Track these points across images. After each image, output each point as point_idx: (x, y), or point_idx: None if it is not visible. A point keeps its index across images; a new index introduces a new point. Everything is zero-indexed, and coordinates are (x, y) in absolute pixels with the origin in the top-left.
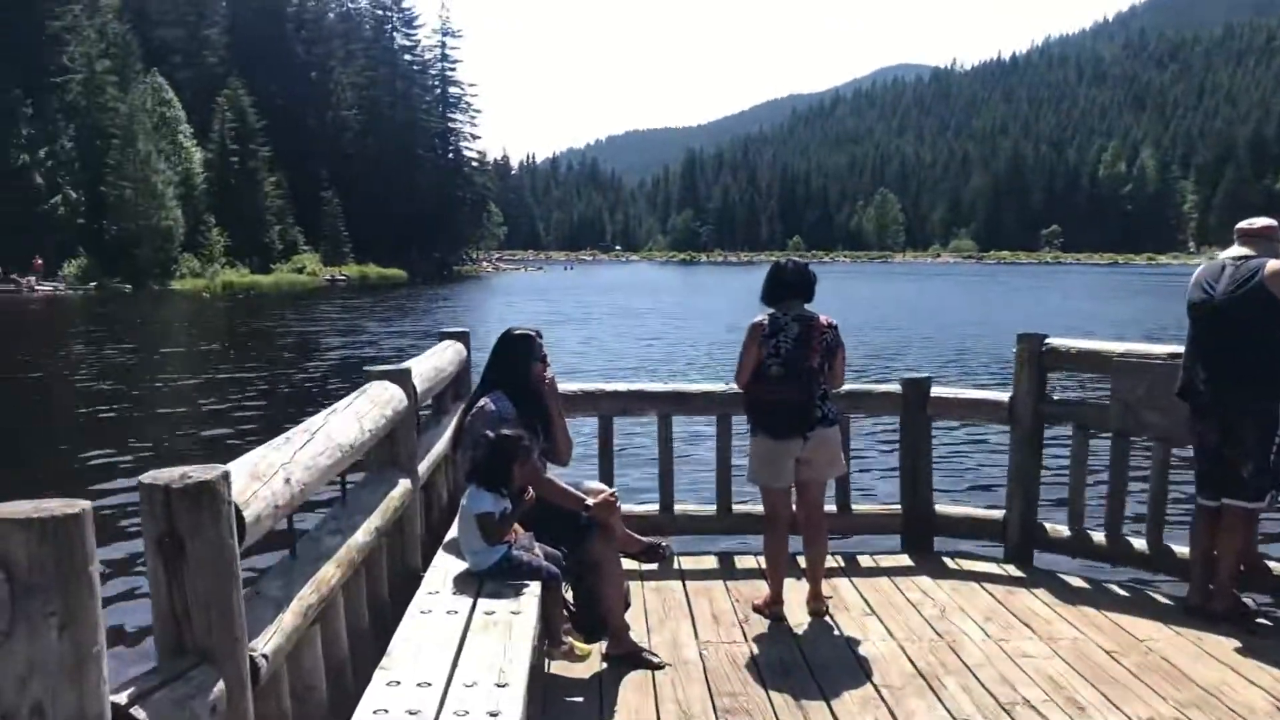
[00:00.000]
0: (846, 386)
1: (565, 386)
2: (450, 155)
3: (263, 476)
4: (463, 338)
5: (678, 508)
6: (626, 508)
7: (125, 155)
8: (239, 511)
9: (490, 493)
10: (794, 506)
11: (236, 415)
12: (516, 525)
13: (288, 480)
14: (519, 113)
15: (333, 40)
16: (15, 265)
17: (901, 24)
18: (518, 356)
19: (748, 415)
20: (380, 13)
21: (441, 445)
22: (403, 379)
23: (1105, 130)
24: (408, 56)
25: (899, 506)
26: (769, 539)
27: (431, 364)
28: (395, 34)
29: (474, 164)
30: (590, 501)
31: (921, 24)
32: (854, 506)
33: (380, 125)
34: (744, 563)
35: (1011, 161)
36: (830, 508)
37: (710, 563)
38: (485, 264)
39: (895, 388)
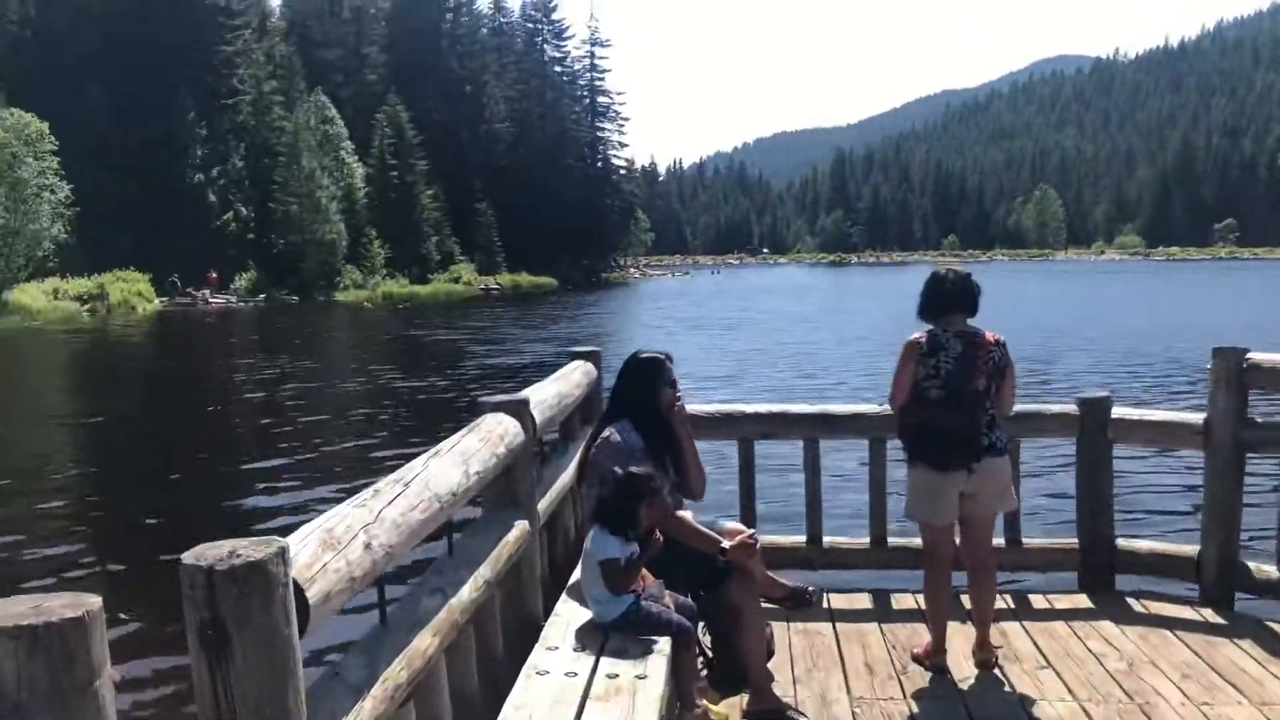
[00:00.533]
0: (1018, 408)
1: (701, 408)
2: (598, 164)
3: (338, 544)
4: (592, 357)
5: (827, 539)
6: (770, 538)
7: (291, 172)
8: (301, 592)
9: (615, 536)
10: (957, 541)
11: (385, 422)
12: (645, 571)
13: (369, 545)
14: (667, 119)
15: (486, 54)
16: (191, 279)
17: (1059, 15)
18: (646, 382)
19: (904, 443)
20: (531, 26)
21: (567, 477)
22: (519, 410)
23: None
24: (558, 68)
25: (1076, 540)
26: (929, 580)
27: (554, 390)
28: (546, 46)
29: (621, 172)
30: (726, 544)
31: (1081, 14)
32: (1025, 540)
33: (531, 136)
34: (901, 602)
35: (1181, 153)
36: (998, 541)
37: (863, 602)
38: (633, 270)
39: (1071, 408)
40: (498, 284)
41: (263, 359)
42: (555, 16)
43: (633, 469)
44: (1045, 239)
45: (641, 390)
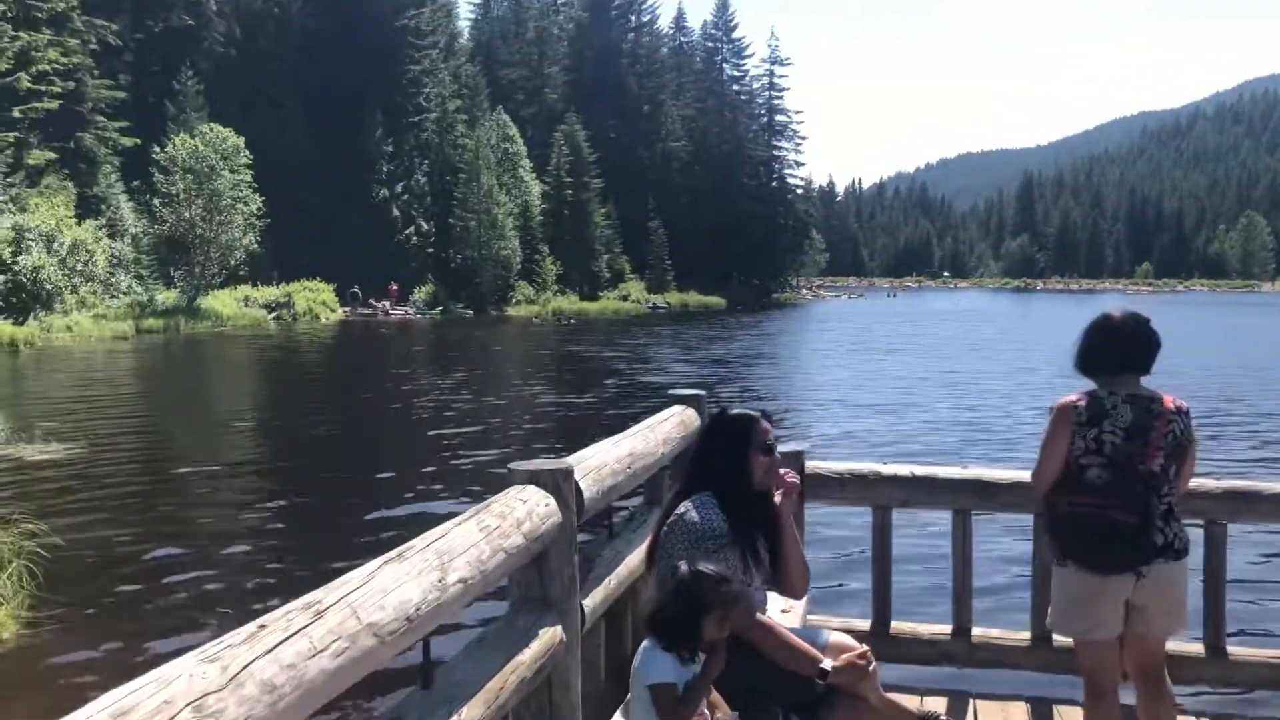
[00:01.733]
0: (1226, 483)
1: (828, 467)
2: (773, 183)
3: None
4: (695, 402)
5: (976, 632)
6: (907, 626)
7: (470, 189)
8: None
9: (671, 653)
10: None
11: (516, 437)
12: (717, 696)
13: None
14: (848, 139)
15: (665, 74)
16: (373, 291)
17: (1273, 31)
18: (733, 447)
19: (1051, 536)
20: (711, 45)
21: (637, 559)
22: (558, 482)
23: None
24: (735, 86)
25: None
26: (1093, 713)
27: (626, 449)
28: (725, 65)
29: (797, 191)
30: (829, 664)
31: None
32: (1231, 648)
33: (706, 155)
34: (1067, 717)
35: None
36: (1192, 648)
37: (1019, 714)
38: (805, 291)
39: None
40: (666, 302)
41: (422, 370)
42: (735, 35)
43: (702, 566)
44: (1250, 269)
45: (727, 456)
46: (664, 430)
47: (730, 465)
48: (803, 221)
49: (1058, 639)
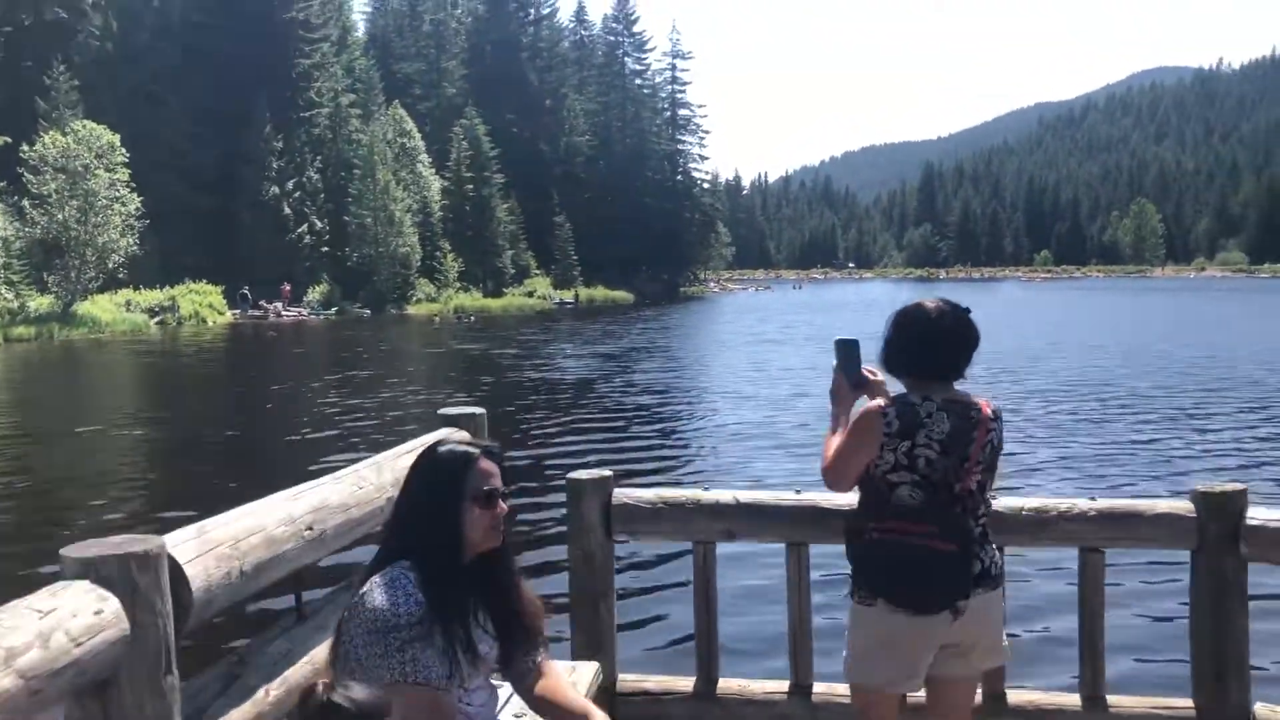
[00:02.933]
0: (1102, 503)
1: (637, 494)
2: (678, 177)
3: None
4: (468, 423)
5: (819, 689)
6: (737, 684)
7: (366, 185)
8: None
9: None
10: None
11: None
12: None
13: None
14: (753, 133)
15: (566, 68)
16: (266, 292)
17: (1159, 25)
18: (434, 498)
19: (854, 569)
20: (612, 38)
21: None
22: (129, 574)
23: None
24: (638, 81)
25: (1190, 704)
26: None
27: (299, 508)
28: (626, 59)
29: (702, 185)
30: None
31: (1181, 24)
32: (1112, 699)
33: (610, 149)
34: None
35: None
36: (1066, 697)
37: None
38: (713, 284)
39: (1184, 507)
40: (573, 298)
41: (298, 373)
42: (636, 29)
43: (344, 694)
44: (1143, 255)
45: (431, 511)
46: (398, 469)
47: (433, 523)
48: (708, 215)
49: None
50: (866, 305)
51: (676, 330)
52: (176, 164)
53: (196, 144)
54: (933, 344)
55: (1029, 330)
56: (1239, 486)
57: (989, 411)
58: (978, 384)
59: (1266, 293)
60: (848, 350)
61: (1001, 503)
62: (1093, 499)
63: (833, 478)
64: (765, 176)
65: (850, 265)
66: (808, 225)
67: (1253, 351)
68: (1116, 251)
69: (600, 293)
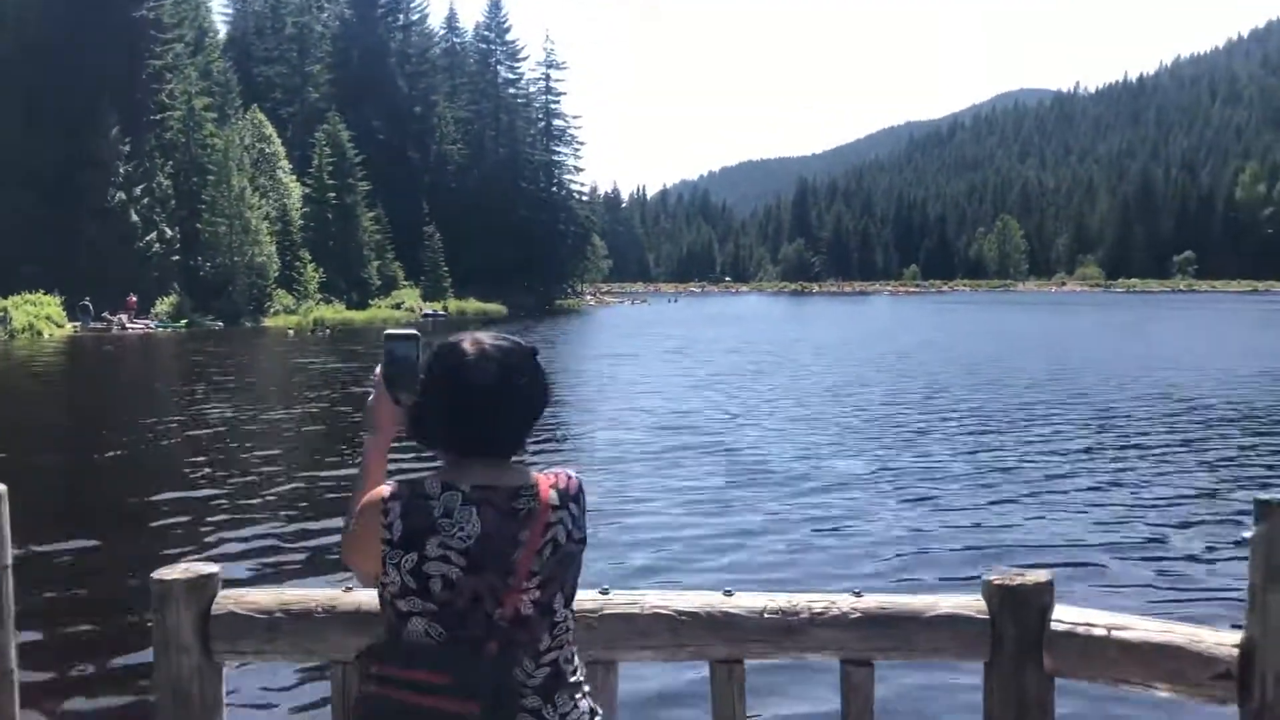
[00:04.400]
0: (869, 601)
1: (254, 598)
2: (553, 188)
3: None
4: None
5: None
6: None
7: (220, 191)
8: None
9: None
10: None
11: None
12: None
13: None
14: (632, 146)
15: (436, 75)
16: (112, 303)
17: (1021, 48)
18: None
19: None
20: (484, 46)
21: None
22: None
23: (1242, 151)
24: (511, 90)
25: None
26: None
27: None
28: (499, 67)
29: (577, 197)
30: None
31: (1042, 48)
32: None
33: (483, 159)
34: None
35: (1140, 186)
36: None
37: None
38: (589, 297)
39: (973, 605)
40: (443, 310)
41: (111, 391)
42: (509, 37)
43: None
44: (1007, 270)
45: None
46: None
47: None
48: (584, 227)
49: None
50: (736, 317)
51: (542, 343)
52: (11, 167)
53: (34, 146)
54: (464, 404)
55: (880, 341)
56: (1042, 577)
57: (550, 496)
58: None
59: (1118, 307)
60: (401, 353)
61: (737, 601)
62: (857, 594)
63: (349, 563)
64: (644, 190)
65: (727, 279)
66: (686, 239)
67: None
68: (982, 266)
69: (472, 305)
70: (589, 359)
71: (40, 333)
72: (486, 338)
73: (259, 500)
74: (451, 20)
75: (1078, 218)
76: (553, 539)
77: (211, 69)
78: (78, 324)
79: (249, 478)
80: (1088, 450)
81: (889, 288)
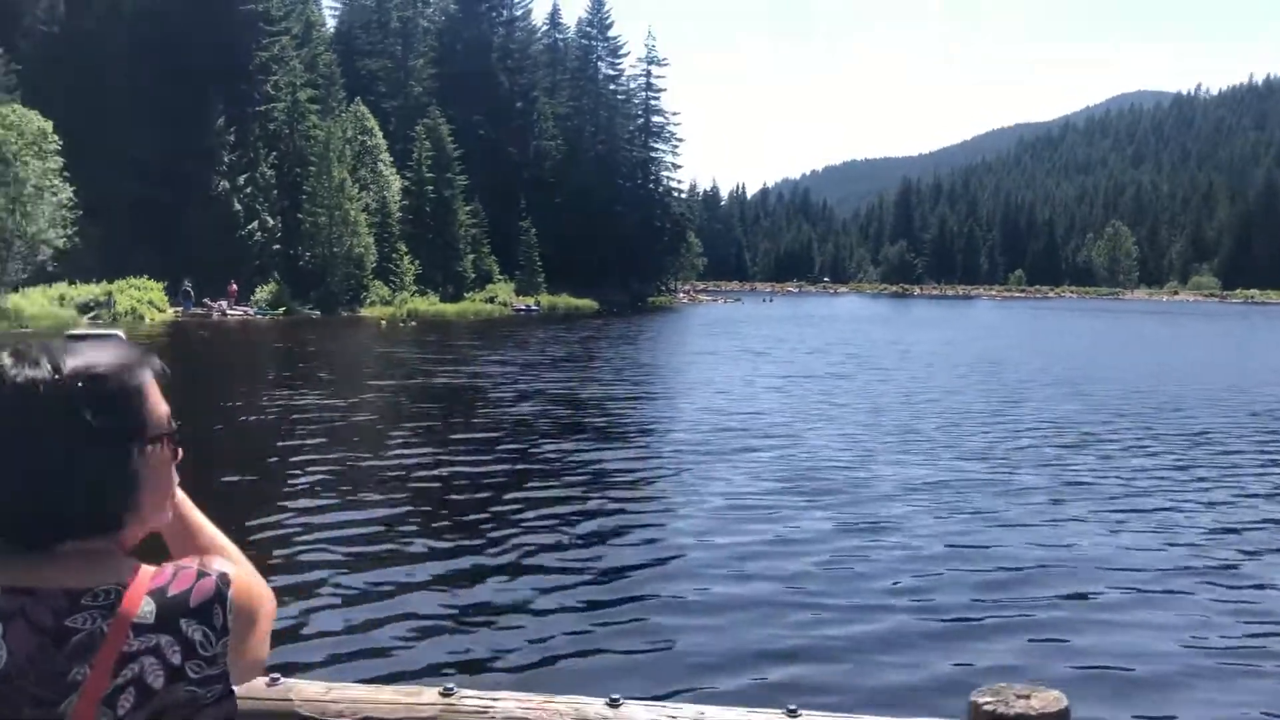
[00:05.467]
0: None
1: None
2: (650, 185)
3: None
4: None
5: None
6: None
7: (320, 183)
8: None
9: None
10: None
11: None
12: None
13: None
14: (734, 144)
15: (538, 71)
16: (215, 289)
17: (1139, 50)
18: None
19: None
20: (586, 42)
21: None
22: None
23: None
24: (612, 86)
25: None
26: None
27: None
28: (600, 63)
29: (675, 194)
30: None
31: (1161, 49)
32: None
33: (581, 155)
34: None
35: (1264, 193)
36: None
37: None
38: (682, 295)
39: None
40: (536, 304)
41: (205, 375)
42: (611, 33)
43: None
44: (1116, 277)
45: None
46: None
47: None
48: (680, 224)
49: None
50: (829, 318)
51: (620, 339)
52: (122, 155)
53: (144, 135)
54: None
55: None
56: (1053, 698)
57: (141, 609)
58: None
59: (1235, 318)
60: None
61: (624, 714)
62: (792, 713)
63: None
64: (744, 188)
65: (825, 279)
66: (784, 238)
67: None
68: (1091, 273)
69: (564, 300)
70: (664, 356)
71: (142, 316)
72: (9, 355)
73: (293, 485)
74: (554, 16)
75: (1194, 225)
76: (136, 681)
77: (317, 62)
78: (179, 309)
79: (278, 460)
80: (1179, 470)
81: (992, 292)
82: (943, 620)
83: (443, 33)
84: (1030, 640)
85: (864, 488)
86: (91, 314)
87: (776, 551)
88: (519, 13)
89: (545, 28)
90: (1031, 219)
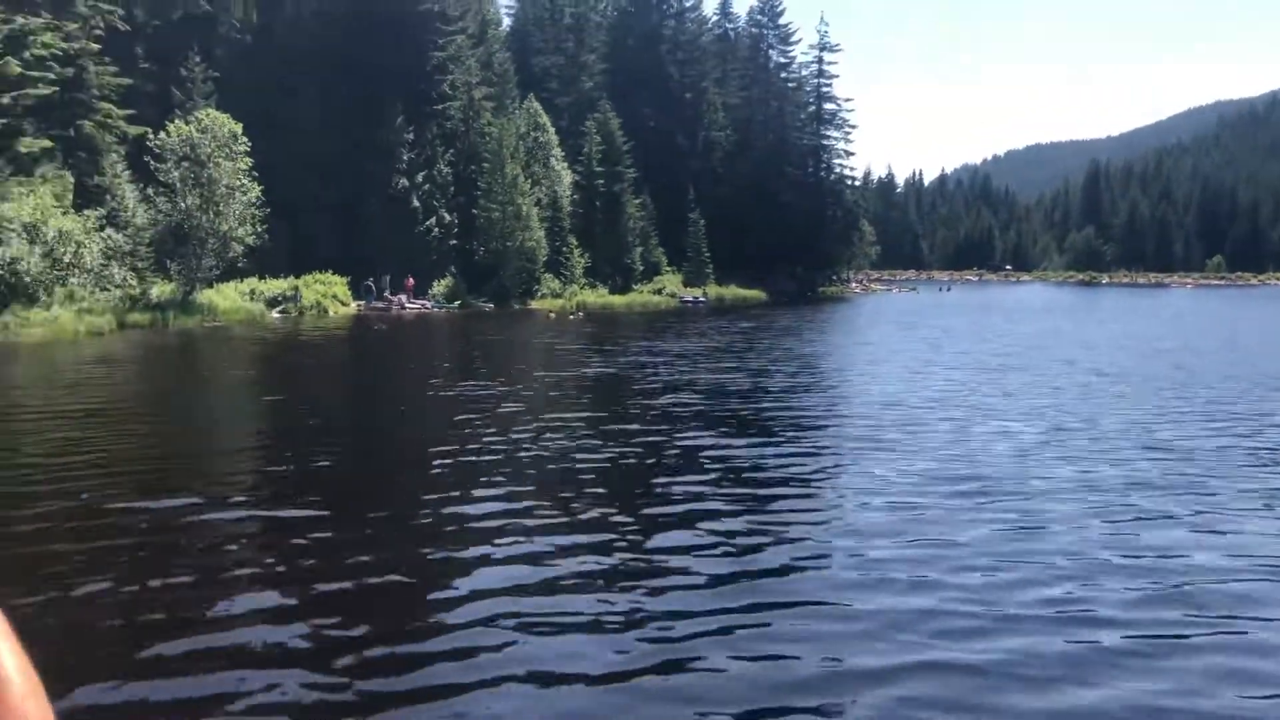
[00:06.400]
0: None
1: None
2: (821, 173)
3: None
4: None
5: None
6: None
7: (495, 179)
8: None
9: None
10: None
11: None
12: None
13: None
14: (912, 130)
15: (707, 61)
16: (393, 284)
17: None
18: None
19: None
20: (756, 31)
21: None
22: None
23: None
24: (782, 74)
25: None
26: None
27: None
28: (771, 52)
29: (847, 182)
30: None
31: None
32: None
33: (751, 144)
34: None
35: None
36: None
37: None
38: (855, 284)
39: None
40: (703, 295)
41: (359, 367)
42: (782, 21)
43: None
44: None
45: None
46: None
47: None
48: (852, 213)
49: None
50: (1009, 307)
51: (780, 331)
52: (309, 155)
53: (329, 136)
54: None
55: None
56: None
57: None
58: None
59: None
60: None
61: None
62: None
63: None
64: (920, 174)
65: (1007, 267)
66: (963, 225)
67: None
68: None
69: (731, 291)
70: (822, 346)
71: (326, 310)
72: None
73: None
74: (725, 6)
75: None
76: None
77: (493, 60)
78: (361, 303)
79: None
80: None
81: (1189, 280)
82: (1124, 636)
83: (614, 27)
84: (1216, 664)
85: (1032, 486)
86: (279, 308)
87: (937, 557)
88: (689, 4)
89: (715, 18)
90: (1233, 202)
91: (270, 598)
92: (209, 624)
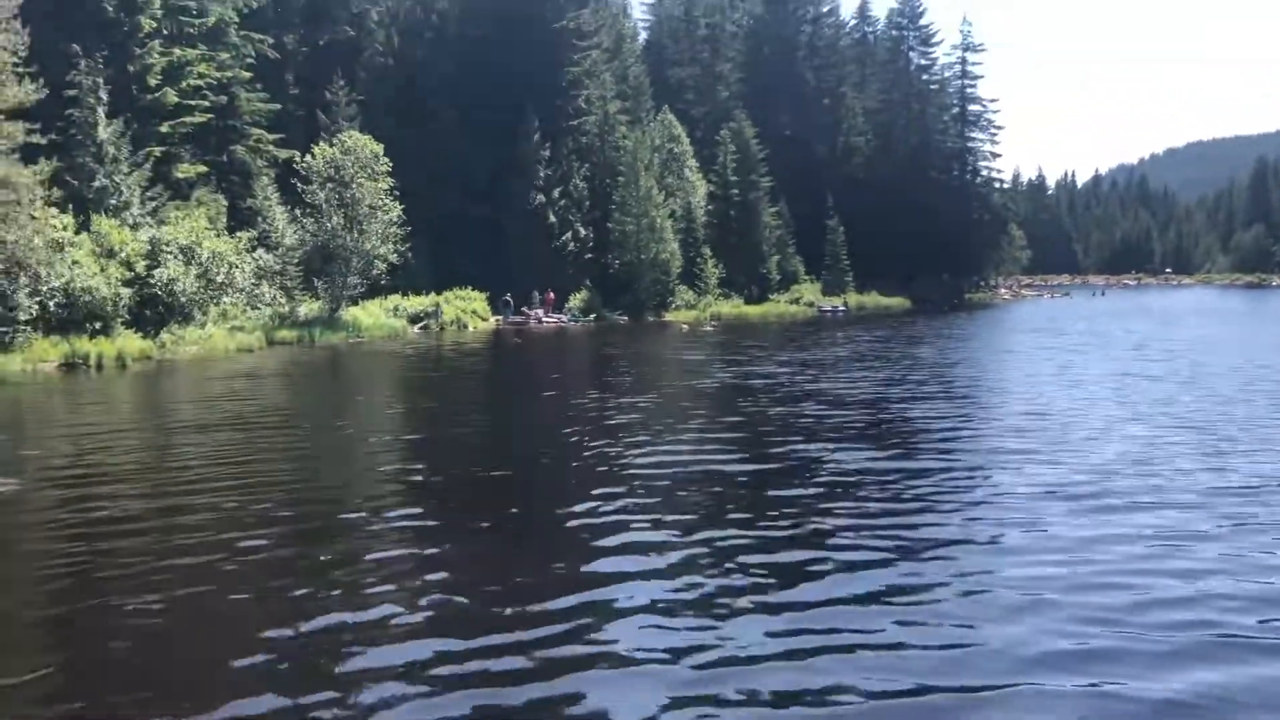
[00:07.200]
0: None
1: None
2: (966, 176)
3: None
4: None
5: None
6: None
7: (629, 192)
8: None
9: None
10: None
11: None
12: None
13: None
14: (1065, 130)
15: (845, 66)
16: (529, 299)
17: None
18: None
19: None
20: (896, 33)
21: None
22: None
23: None
24: (924, 76)
25: None
26: None
27: None
28: (911, 54)
29: (995, 184)
30: None
31: None
32: None
33: (892, 149)
34: None
35: None
36: None
37: None
38: (1004, 290)
39: None
40: (843, 305)
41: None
42: (923, 22)
43: None
44: None
45: None
46: None
47: None
48: (1000, 217)
49: None
50: (1168, 312)
51: (920, 340)
52: (451, 175)
53: (470, 154)
54: None
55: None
56: None
57: None
58: None
59: None
60: None
61: None
62: None
63: None
64: (1073, 176)
65: (1167, 270)
66: (1120, 227)
67: None
68: None
69: (872, 299)
70: (960, 355)
71: (466, 325)
72: None
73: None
74: (863, 9)
75: None
76: None
77: (627, 74)
78: (499, 318)
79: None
80: None
81: None
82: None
83: (750, 35)
84: None
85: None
86: (420, 324)
87: (1072, 576)
88: (825, 9)
89: (853, 21)
90: None
91: (419, 608)
92: (362, 630)
